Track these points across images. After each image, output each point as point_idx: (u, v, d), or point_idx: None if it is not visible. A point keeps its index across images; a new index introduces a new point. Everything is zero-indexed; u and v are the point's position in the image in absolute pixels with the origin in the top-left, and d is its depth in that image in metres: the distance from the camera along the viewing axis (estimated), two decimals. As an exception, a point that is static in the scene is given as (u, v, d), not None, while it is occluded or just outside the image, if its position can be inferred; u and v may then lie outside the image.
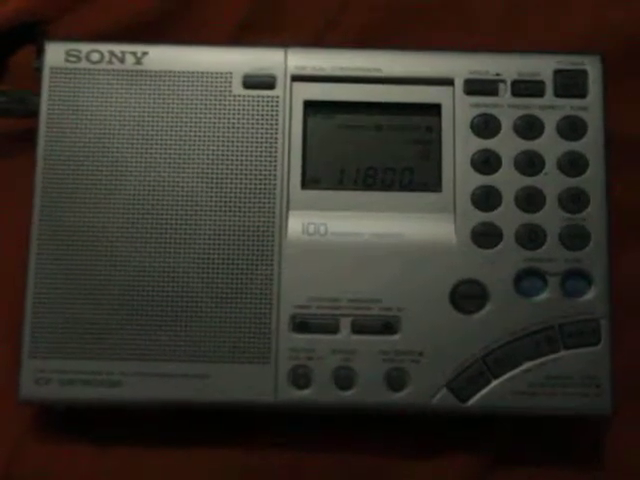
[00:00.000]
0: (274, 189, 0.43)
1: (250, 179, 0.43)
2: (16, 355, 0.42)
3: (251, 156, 0.44)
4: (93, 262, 0.42)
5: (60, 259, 0.42)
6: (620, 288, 0.44)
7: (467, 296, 0.43)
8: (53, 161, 0.43)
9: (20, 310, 0.42)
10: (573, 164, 0.44)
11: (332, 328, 0.42)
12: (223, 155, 0.43)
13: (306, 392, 0.42)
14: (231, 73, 0.44)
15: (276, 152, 0.44)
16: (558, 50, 0.46)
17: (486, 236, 0.43)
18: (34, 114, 0.44)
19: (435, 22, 0.51)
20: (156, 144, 0.43)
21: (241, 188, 0.43)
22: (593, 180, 0.44)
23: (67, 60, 0.44)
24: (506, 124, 0.44)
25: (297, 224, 0.43)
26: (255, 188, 0.43)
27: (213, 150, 0.43)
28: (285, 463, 0.44)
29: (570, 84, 0.45)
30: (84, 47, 0.44)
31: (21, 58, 0.48)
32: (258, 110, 0.44)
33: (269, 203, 0.43)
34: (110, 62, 0.44)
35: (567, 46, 0.49)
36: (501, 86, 0.45)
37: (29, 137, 0.44)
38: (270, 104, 0.44)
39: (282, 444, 0.44)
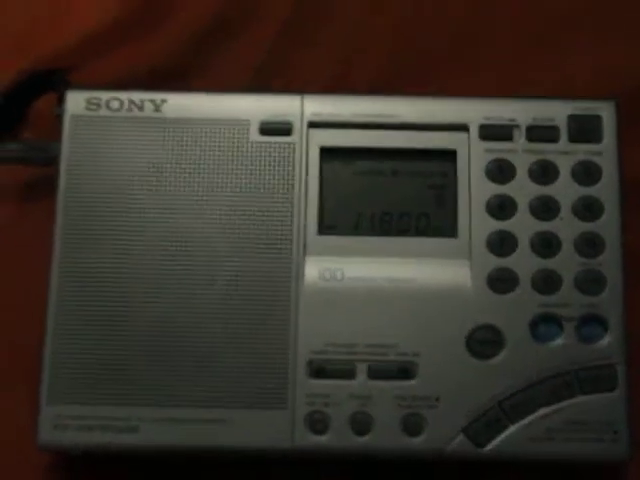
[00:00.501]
0: (291, 235, 0.44)
1: (267, 225, 0.44)
2: (35, 397, 0.42)
3: (268, 202, 0.44)
4: (111, 309, 0.43)
5: (79, 306, 0.43)
6: (636, 333, 0.44)
7: (483, 341, 0.43)
8: (73, 208, 0.43)
9: (38, 353, 0.42)
10: (588, 209, 0.44)
11: (349, 373, 0.42)
12: (240, 201, 0.44)
13: (323, 438, 0.42)
14: (248, 120, 0.45)
15: (293, 198, 0.44)
16: (572, 93, 0.46)
17: (502, 281, 0.43)
18: (54, 161, 0.44)
19: (448, 65, 0.52)
20: (175, 191, 0.44)
21: (258, 234, 0.43)
22: (608, 225, 0.44)
23: (87, 108, 0.45)
24: (521, 169, 0.44)
25: (314, 270, 0.44)
26: (272, 234, 0.44)
27: (231, 196, 0.44)
28: (302, 508, 0.45)
29: (584, 129, 0.45)
30: (104, 95, 0.45)
31: (41, 106, 0.49)
32: (275, 156, 0.44)
33: (286, 249, 0.43)
34: (129, 110, 0.45)
35: (579, 89, 0.50)
36: (516, 131, 0.45)
37: (49, 185, 0.44)
38: (287, 150, 0.44)
39: (299, 489, 0.45)
